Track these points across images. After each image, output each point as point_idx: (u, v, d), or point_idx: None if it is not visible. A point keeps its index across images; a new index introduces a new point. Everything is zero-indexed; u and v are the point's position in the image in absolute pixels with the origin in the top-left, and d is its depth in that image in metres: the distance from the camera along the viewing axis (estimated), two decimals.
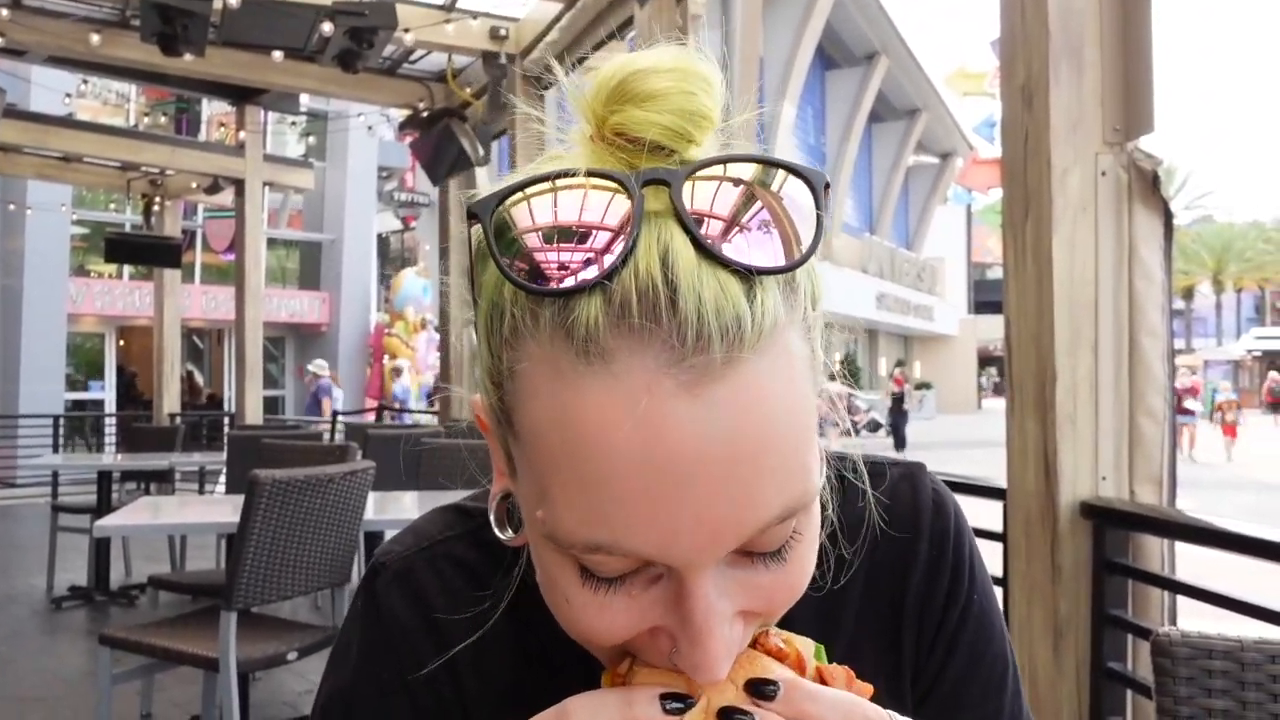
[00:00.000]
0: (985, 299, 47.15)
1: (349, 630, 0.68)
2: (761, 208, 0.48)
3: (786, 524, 0.49)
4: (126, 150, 9.51)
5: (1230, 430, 21.43)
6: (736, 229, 0.47)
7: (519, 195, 0.47)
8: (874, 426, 26.24)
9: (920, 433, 26.58)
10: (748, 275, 0.46)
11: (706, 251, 0.46)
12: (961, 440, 22.90)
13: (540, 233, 0.47)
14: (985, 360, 46.62)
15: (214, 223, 20.13)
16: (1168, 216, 2.33)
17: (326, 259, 22.03)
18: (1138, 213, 2.31)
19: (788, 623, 0.58)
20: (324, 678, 0.69)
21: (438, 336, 12.12)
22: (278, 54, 6.62)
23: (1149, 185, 2.30)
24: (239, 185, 9.46)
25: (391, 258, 26.99)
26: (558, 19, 5.83)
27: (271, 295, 19.47)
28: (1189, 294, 49.98)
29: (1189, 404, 21.04)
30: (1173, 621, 2.28)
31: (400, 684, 0.65)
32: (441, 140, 6.84)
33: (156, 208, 10.76)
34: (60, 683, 4.42)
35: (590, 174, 0.47)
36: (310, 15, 5.43)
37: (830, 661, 0.56)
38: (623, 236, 0.46)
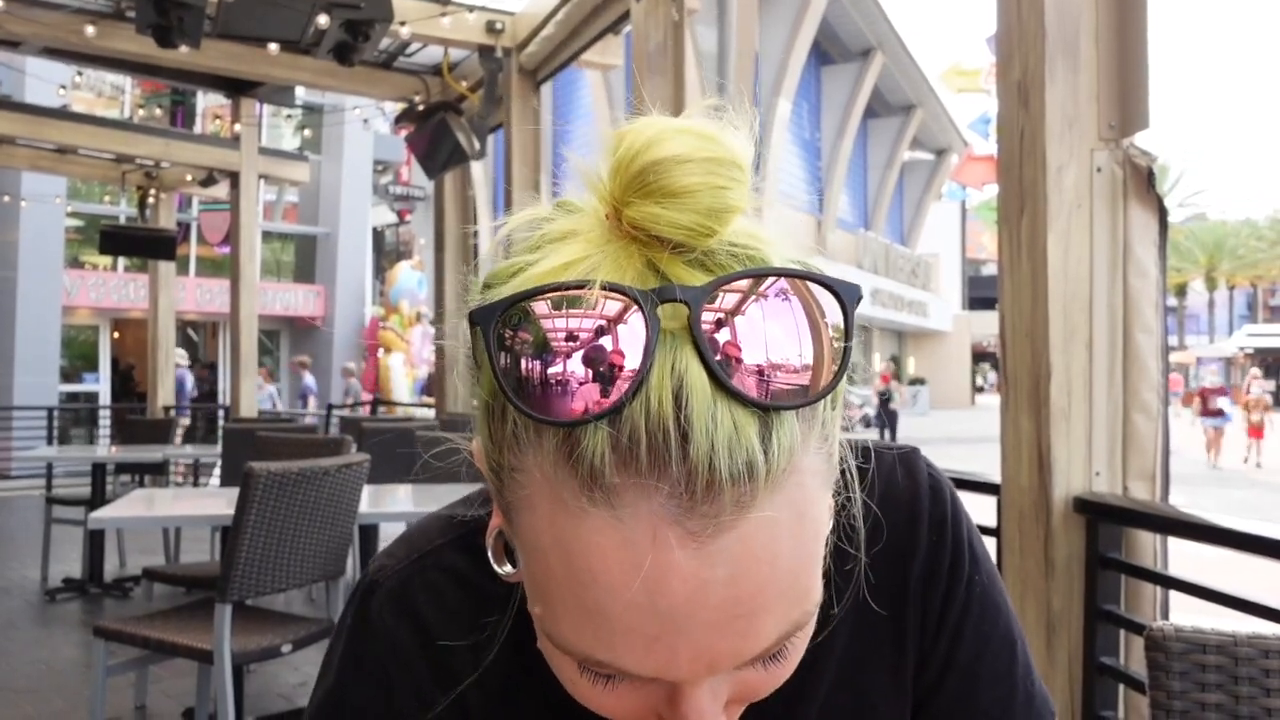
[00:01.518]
0: (979, 295, 47.24)
1: (338, 645, 0.67)
2: (787, 327, 0.44)
3: (784, 644, 0.49)
4: (121, 142, 9.48)
5: (1257, 431, 18.21)
6: (757, 354, 0.44)
7: (524, 306, 0.44)
8: (868, 422, 26.29)
9: (913, 428, 26.63)
10: (766, 411, 0.44)
11: (723, 387, 0.43)
12: (954, 436, 22.95)
13: (546, 354, 0.43)
14: (979, 356, 46.71)
15: (209, 215, 20.09)
16: (1162, 213, 2.34)
17: (321, 252, 22.01)
18: (1133, 209, 2.31)
19: None
20: (314, 688, 0.68)
21: (432, 330, 12.10)
22: (273, 46, 6.60)
23: (1144, 182, 2.31)
24: (234, 178, 9.44)
25: (386, 251, 26.96)
26: (554, 13, 5.83)
27: (266, 288, 19.46)
28: (1182, 291, 50.07)
29: (1221, 404, 18.30)
30: (1165, 616, 2.30)
31: (386, 705, 0.64)
32: (437, 134, 6.82)
33: (151, 200, 10.73)
34: (54, 674, 4.42)
35: (605, 287, 0.43)
36: (306, 8, 5.42)
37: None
38: (635, 365, 0.42)
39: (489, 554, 0.58)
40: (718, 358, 0.43)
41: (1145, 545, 2.29)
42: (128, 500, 3.79)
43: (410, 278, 20.46)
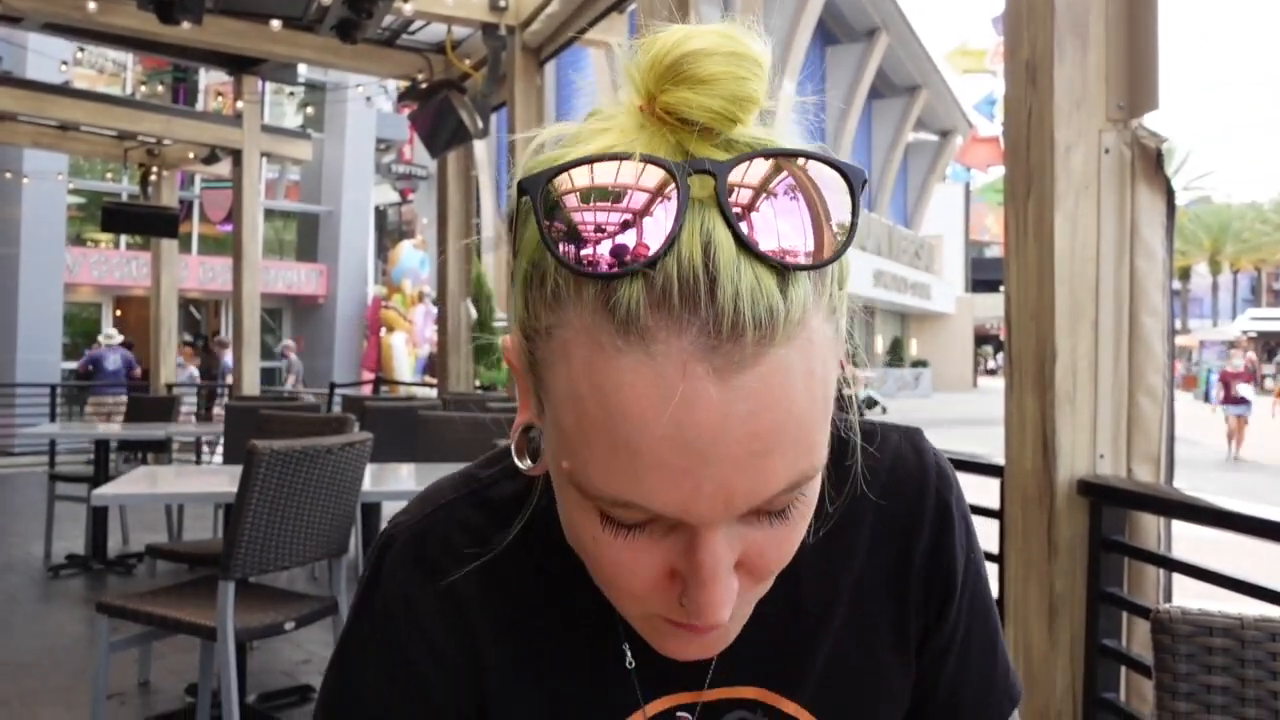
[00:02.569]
0: (982, 277, 47.16)
1: (358, 600, 0.70)
2: (800, 202, 0.50)
3: (794, 493, 0.53)
4: (123, 119, 9.45)
5: None
6: (775, 223, 0.49)
7: (566, 171, 0.49)
8: (869, 404, 26.30)
9: (915, 410, 26.63)
10: (784, 270, 0.49)
11: (745, 245, 0.48)
12: (957, 418, 22.95)
13: (589, 214, 0.48)
14: (981, 339, 46.67)
15: (211, 193, 20.05)
16: (1170, 196, 2.32)
17: (324, 231, 21.97)
18: (1140, 191, 2.30)
19: (797, 568, 0.62)
20: (337, 641, 0.72)
21: (435, 310, 12.11)
22: (276, 23, 6.58)
23: (1152, 164, 2.29)
24: (236, 156, 9.41)
25: (389, 230, 26.92)
26: None
27: (269, 267, 19.44)
28: (1185, 274, 49.97)
29: (1242, 390, 16.65)
30: (1168, 599, 2.30)
31: (399, 655, 0.67)
32: (440, 112, 6.80)
33: (153, 177, 10.71)
34: (57, 650, 4.44)
35: (642, 159, 0.48)
36: None
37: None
38: (669, 225, 0.47)
39: (512, 450, 0.63)
40: (741, 223, 0.48)
41: (1149, 528, 2.29)
42: (131, 477, 3.79)
43: (413, 257, 20.42)
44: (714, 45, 0.50)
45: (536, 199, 0.49)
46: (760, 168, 0.49)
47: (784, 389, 0.48)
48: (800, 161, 0.50)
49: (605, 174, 0.49)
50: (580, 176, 0.49)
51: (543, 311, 0.52)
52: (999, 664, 0.75)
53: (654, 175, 0.48)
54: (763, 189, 0.49)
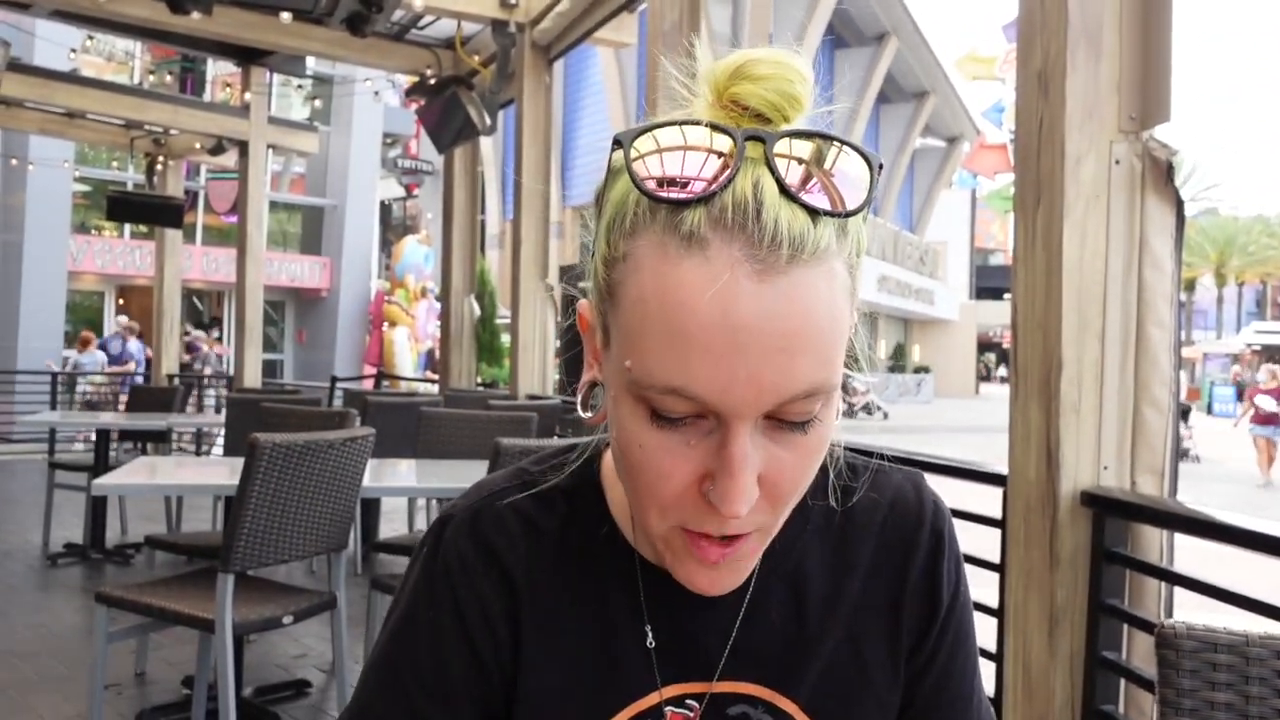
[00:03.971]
0: (987, 285, 47.12)
1: (412, 571, 0.79)
2: (829, 172, 0.62)
3: (813, 401, 0.62)
4: (130, 108, 9.44)
5: None
6: (810, 182, 0.61)
7: (655, 131, 0.62)
8: (870, 410, 26.28)
9: (917, 416, 26.63)
10: (813, 213, 0.61)
11: (786, 191, 0.60)
12: (959, 426, 22.94)
13: (667, 157, 0.61)
14: (984, 346, 46.63)
15: (216, 184, 20.07)
16: (1179, 208, 2.31)
17: (328, 224, 21.98)
18: (1150, 203, 2.29)
19: (805, 583, 0.77)
20: (387, 616, 0.79)
21: (438, 305, 12.09)
22: (285, 15, 6.57)
23: (1163, 175, 2.28)
24: (243, 147, 9.41)
25: (393, 225, 26.94)
26: None
27: (273, 259, 19.44)
28: (1190, 286, 49.90)
29: (1273, 407, 15.43)
30: (1170, 613, 2.29)
31: (455, 619, 0.75)
32: (448, 108, 6.79)
33: (159, 167, 10.70)
34: (54, 639, 4.44)
35: (709, 125, 0.61)
36: None
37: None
38: (727, 169, 0.60)
39: (577, 401, 0.73)
40: (785, 176, 0.60)
41: (1151, 541, 2.28)
42: (131, 467, 3.79)
43: (416, 252, 20.43)
44: (767, 56, 0.63)
45: (627, 146, 0.61)
46: (801, 142, 0.62)
47: (809, 301, 0.59)
48: (832, 143, 0.62)
49: (679, 133, 0.61)
50: (662, 133, 0.62)
51: (621, 242, 0.63)
52: (975, 690, 0.83)
53: (718, 136, 0.61)
54: (801, 157, 0.61)
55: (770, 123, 0.63)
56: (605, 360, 0.68)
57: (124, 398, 12.82)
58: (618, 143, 0.63)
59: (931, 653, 0.80)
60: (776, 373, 0.59)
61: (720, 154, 0.61)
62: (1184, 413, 17.25)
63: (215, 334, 18.29)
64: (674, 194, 0.60)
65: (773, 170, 0.60)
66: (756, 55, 0.63)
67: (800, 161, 0.61)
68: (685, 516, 0.65)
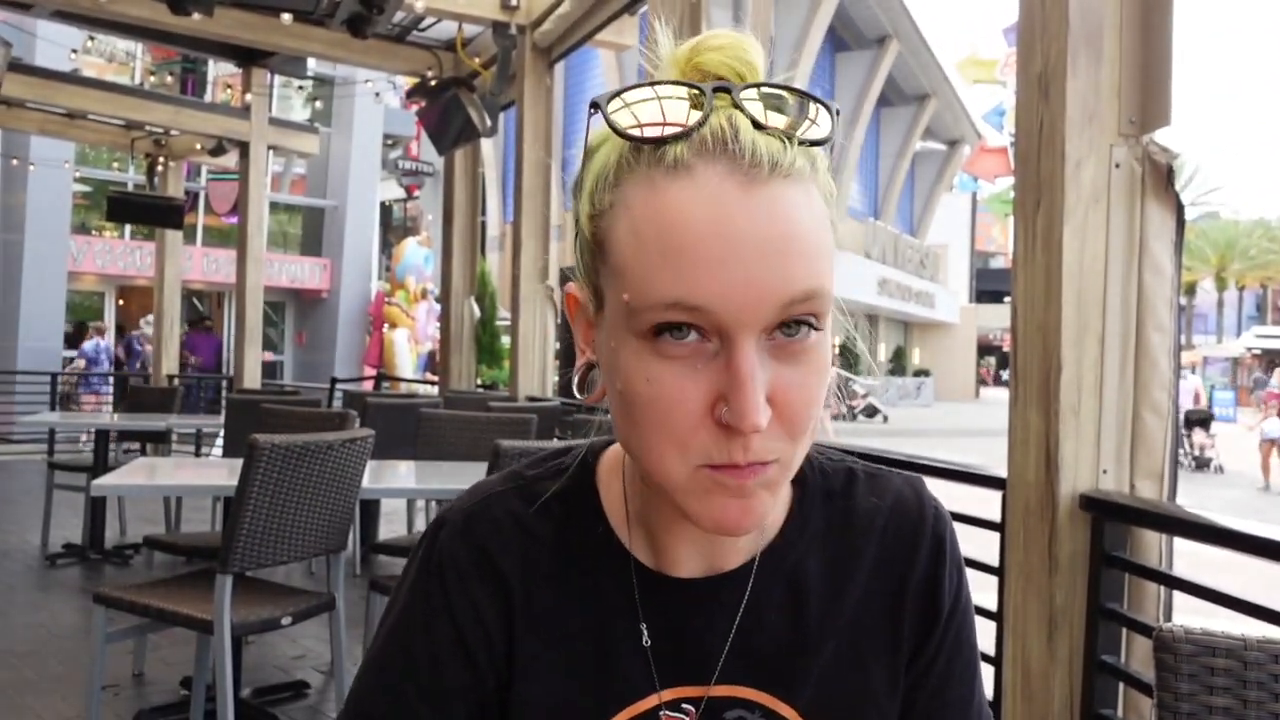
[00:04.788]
0: (987, 288, 47.12)
1: (409, 572, 0.79)
2: (793, 113, 0.65)
3: (810, 307, 0.63)
4: (131, 109, 9.44)
5: None
6: (777, 119, 0.64)
7: (629, 91, 0.65)
8: (870, 412, 26.27)
9: (917, 419, 26.63)
10: (785, 139, 0.64)
11: (758, 124, 0.63)
12: (959, 429, 22.92)
13: (644, 108, 0.64)
14: (984, 349, 46.61)
15: (217, 185, 20.05)
16: (1180, 212, 2.31)
17: (329, 225, 21.96)
18: (1150, 207, 2.29)
19: (806, 588, 0.77)
20: (383, 617, 0.80)
21: (438, 307, 12.09)
22: (286, 16, 6.58)
23: (1163, 179, 2.28)
24: (243, 148, 9.41)
25: (394, 226, 26.93)
26: None
27: (273, 260, 19.43)
28: (1191, 290, 49.88)
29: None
30: (1168, 617, 2.29)
31: (449, 621, 0.75)
32: (448, 109, 6.79)
33: (160, 168, 10.70)
34: (53, 639, 4.44)
35: (675, 82, 0.65)
36: None
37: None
38: (700, 111, 0.63)
39: (574, 385, 0.74)
40: (753, 114, 0.64)
41: (1150, 544, 2.28)
42: (130, 468, 3.79)
43: (417, 254, 20.41)
44: (722, 32, 0.68)
45: (604, 106, 0.64)
46: (763, 89, 0.65)
47: (793, 208, 0.62)
48: (793, 91, 0.65)
49: (653, 91, 0.64)
50: (637, 92, 0.65)
51: (607, 194, 0.66)
52: (975, 695, 0.82)
53: (687, 90, 0.64)
54: (767, 98, 0.65)
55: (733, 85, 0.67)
56: (599, 326, 0.69)
57: (88, 396, 13.49)
58: (595, 105, 0.66)
59: (932, 658, 0.79)
60: (773, 275, 0.61)
61: (691, 101, 0.64)
62: (1204, 421, 16.84)
63: (208, 324, 18.23)
64: (655, 133, 0.63)
65: (742, 109, 0.64)
66: (713, 32, 0.68)
67: (766, 104, 0.65)
68: (707, 449, 0.63)
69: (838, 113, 0.66)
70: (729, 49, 0.67)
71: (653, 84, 0.65)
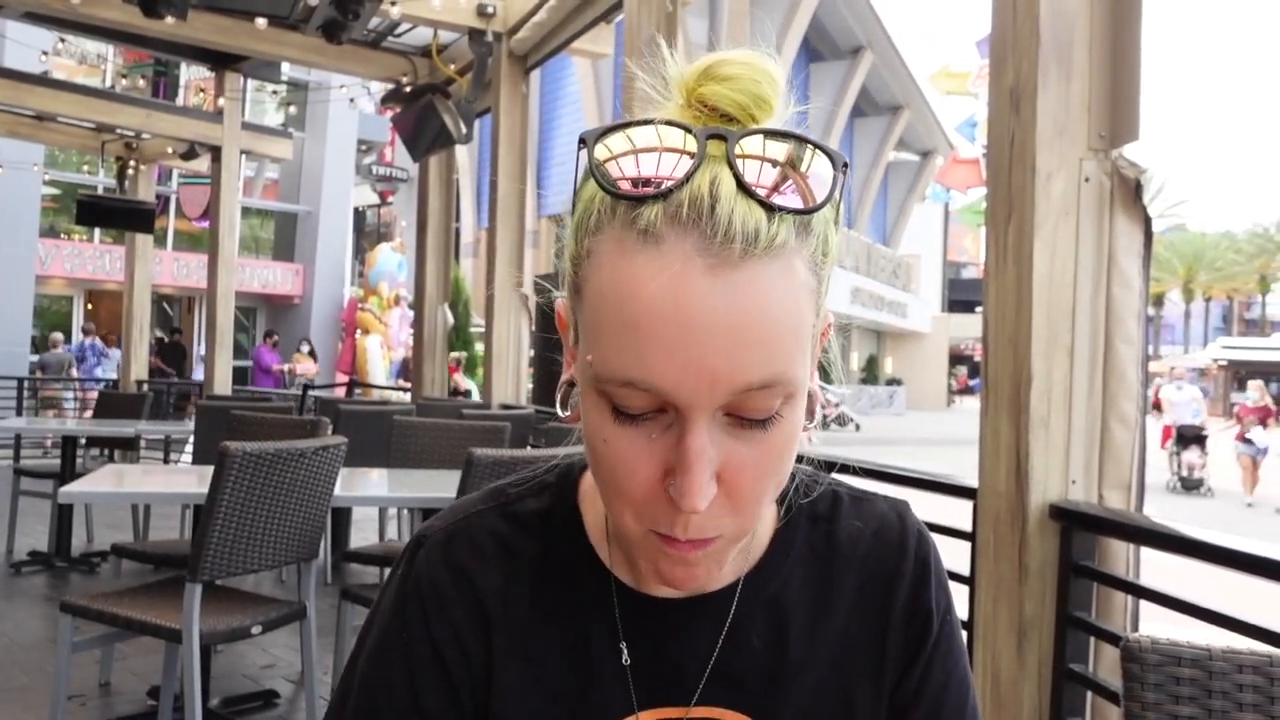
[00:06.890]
0: (959, 298, 47.47)
1: (388, 592, 0.78)
2: (793, 170, 0.62)
3: (770, 395, 0.61)
4: (102, 111, 9.36)
5: None
6: (770, 179, 0.61)
7: (617, 130, 0.63)
8: (842, 421, 26.37)
9: (890, 428, 26.76)
10: (771, 209, 0.60)
11: (744, 187, 0.60)
12: (930, 438, 23.04)
13: (628, 158, 0.62)
14: (956, 359, 46.93)
15: (188, 189, 19.89)
16: (1147, 225, 2.35)
17: (302, 230, 21.83)
18: (1119, 220, 2.32)
19: (789, 611, 0.76)
20: (360, 637, 0.79)
21: (411, 313, 12.05)
22: (261, 21, 6.55)
23: (1131, 193, 2.31)
24: (215, 152, 9.34)
25: (367, 232, 26.81)
26: None
27: (245, 265, 19.29)
28: (1159, 301, 50.51)
29: (1255, 434, 14.30)
30: (1136, 626, 2.31)
31: (427, 643, 0.75)
32: (423, 116, 6.78)
33: (130, 171, 10.61)
34: (17, 649, 4.37)
35: (669, 123, 0.62)
36: None
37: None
38: (686, 167, 0.60)
39: (556, 401, 0.73)
40: (743, 173, 0.60)
41: (1118, 554, 2.30)
42: (98, 475, 3.75)
43: (390, 260, 20.31)
44: (738, 57, 0.64)
45: (591, 145, 0.62)
46: (765, 140, 0.62)
47: (763, 295, 0.59)
48: (798, 141, 0.62)
49: (643, 132, 0.62)
50: (628, 132, 0.62)
51: (586, 239, 0.64)
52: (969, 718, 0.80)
53: (679, 135, 0.61)
54: (764, 155, 0.61)
55: (738, 124, 0.63)
56: (577, 358, 0.68)
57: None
58: (583, 141, 0.64)
59: (921, 680, 0.78)
60: (728, 363, 0.59)
61: (681, 151, 0.61)
62: (1200, 439, 14.81)
63: (176, 336, 18.13)
64: (632, 191, 0.61)
65: (732, 167, 0.61)
66: (726, 56, 0.64)
67: (762, 159, 0.61)
68: (655, 518, 0.64)
69: (845, 166, 0.63)
70: (739, 80, 0.63)
71: (644, 123, 0.62)
